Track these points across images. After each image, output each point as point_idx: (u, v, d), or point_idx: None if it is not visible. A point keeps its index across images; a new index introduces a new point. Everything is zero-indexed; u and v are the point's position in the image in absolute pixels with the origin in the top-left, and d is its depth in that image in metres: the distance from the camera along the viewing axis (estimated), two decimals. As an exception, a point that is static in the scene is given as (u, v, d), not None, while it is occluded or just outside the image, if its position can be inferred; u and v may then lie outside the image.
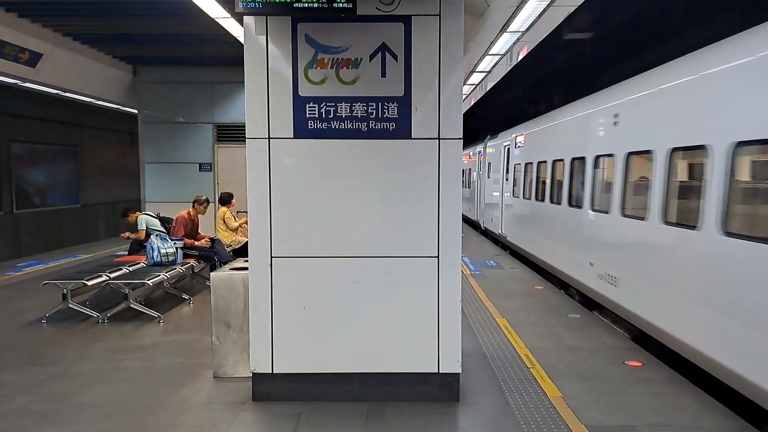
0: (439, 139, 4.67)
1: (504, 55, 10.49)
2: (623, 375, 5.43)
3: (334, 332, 4.80)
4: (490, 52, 10.08)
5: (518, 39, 8.95)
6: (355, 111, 4.67)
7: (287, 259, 4.75)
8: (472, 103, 19.20)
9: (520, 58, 10.66)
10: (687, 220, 5.55)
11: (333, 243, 4.76)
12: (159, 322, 7.34)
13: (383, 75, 4.67)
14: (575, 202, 8.96)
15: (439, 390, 4.84)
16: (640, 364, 5.69)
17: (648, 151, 6.43)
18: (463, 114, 5.15)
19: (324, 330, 4.80)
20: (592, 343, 6.41)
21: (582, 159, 8.64)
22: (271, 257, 4.73)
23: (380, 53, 4.66)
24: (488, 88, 15.50)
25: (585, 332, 6.83)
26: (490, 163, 16.84)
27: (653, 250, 6.31)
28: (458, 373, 4.84)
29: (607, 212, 7.52)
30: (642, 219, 6.42)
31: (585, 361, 5.79)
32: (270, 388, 4.86)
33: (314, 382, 4.84)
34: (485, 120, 30.36)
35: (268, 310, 4.77)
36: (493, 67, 11.71)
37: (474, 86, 14.09)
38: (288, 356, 4.82)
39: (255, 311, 4.79)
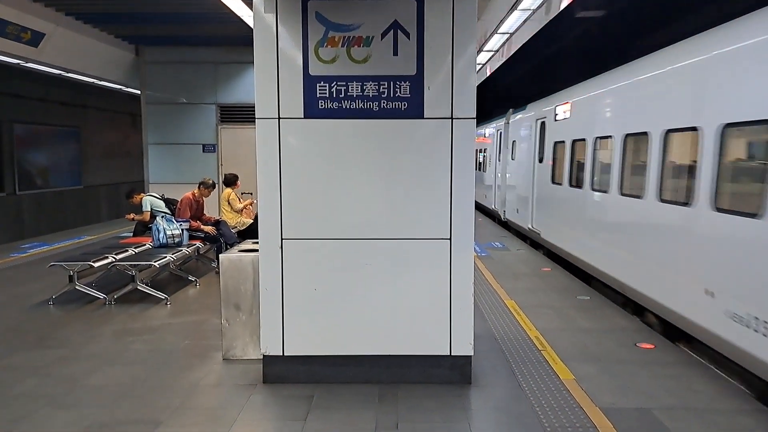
0: (452, 118, 4.58)
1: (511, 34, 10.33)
2: (636, 357, 5.39)
3: (345, 314, 4.76)
4: (498, 31, 9.92)
5: (528, 17, 8.81)
6: (367, 90, 4.58)
7: (298, 240, 4.69)
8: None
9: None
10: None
11: (344, 224, 4.70)
12: (166, 304, 7.32)
13: (395, 53, 4.57)
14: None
15: (451, 372, 4.81)
16: (653, 346, 5.65)
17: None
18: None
19: (335, 312, 4.76)
20: (602, 324, 6.38)
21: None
22: (282, 239, 4.67)
23: (392, 31, 4.55)
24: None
25: (595, 314, 6.79)
26: None
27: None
28: (470, 356, 4.81)
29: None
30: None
31: (596, 343, 5.76)
32: (281, 371, 4.83)
33: (325, 365, 4.82)
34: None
35: (278, 292, 4.73)
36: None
37: (481, 65, 13.94)
38: (299, 338, 4.79)
39: (265, 293, 4.74)
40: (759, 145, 5.00)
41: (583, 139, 9.21)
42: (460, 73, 4.55)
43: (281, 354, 4.79)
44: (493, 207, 16.62)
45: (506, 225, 15.15)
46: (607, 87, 8.47)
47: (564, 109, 10.42)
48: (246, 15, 8.66)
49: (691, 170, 5.77)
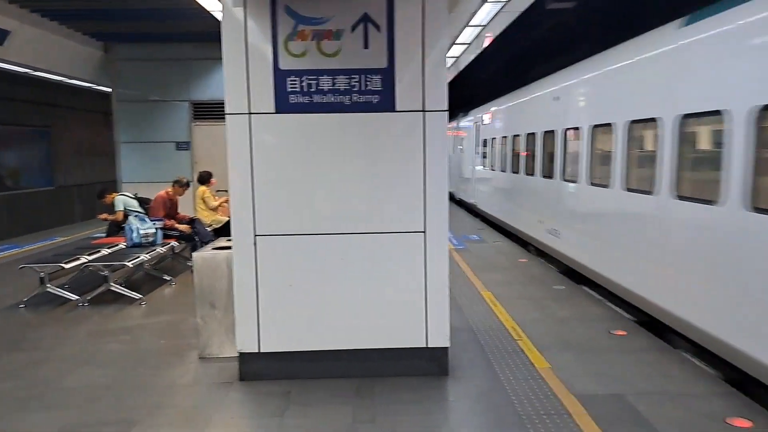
0: (424, 111, 4.58)
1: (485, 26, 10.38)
2: (610, 344, 5.47)
3: (321, 310, 4.74)
4: (471, 23, 9.96)
5: (500, 9, 8.86)
6: (338, 84, 4.56)
7: (271, 236, 4.66)
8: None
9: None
10: None
11: (318, 219, 4.68)
12: (141, 304, 7.23)
13: (366, 46, 4.55)
14: None
15: (428, 364, 4.82)
16: (626, 333, 5.74)
17: None
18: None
19: (311, 308, 4.74)
20: (577, 313, 6.46)
21: None
22: (255, 235, 4.64)
23: (362, 24, 4.53)
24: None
25: (570, 303, 6.87)
26: None
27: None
28: (447, 347, 4.83)
29: None
30: None
31: (572, 332, 5.82)
32: (257, 368, 4.80)
33: (302, 360, 4.79)
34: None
35: (253, 289, 4.69)
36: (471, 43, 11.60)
37: (455, 59, 13.98)
38: (275, 335, 4.76)
39: (240, 290, 4.70)
40: (548, 142, 9.59)
41: (495, 138, 13.89)
42: (432, 66, 4.55)
43: (257, 351, 4.76)
44: (450, 190, 21.94)
45: (460, 203, 19.68)
46: (505, 104, 13.33)
47: (487, 117, 15.16)
48: (216, 10, 8.57)
49: (536, 156, 10.25)
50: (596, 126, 7.59)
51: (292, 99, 4.55)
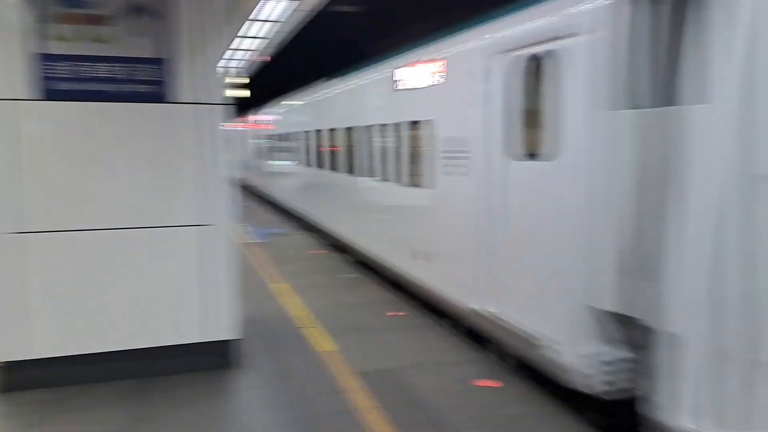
0: (201, 104, 4.55)
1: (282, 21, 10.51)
2: (389, 324, 5.97)
3: (93, 310, 4.49)
4: (258, 18, 10.05)
5: (297, 8, 9.05)
6: (109, 72, 4.36)
7: (27, 234, 4.28)
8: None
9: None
10: None
11: (87, 214, 4.42)
12: None
13: (140, 35, 4.40)
14: None
15: (215, 358, 4.80)
16: (405, 314, 6.28)
17: None
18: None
19: (81, 309, 4.46)
20: (362, 299, 6.91)
21: None
22: (6, 233, 4.22)
23: (136, 11, 4.38)
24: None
25: (357, 289, 7.33)
26: None
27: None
28: (233, 340, 4.85)
29: None
30: None
31: (358, 316, 6.23)
32: (23, 377, 4.38)
33: (74, 365, 4.48)
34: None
35: (10, 293, 4.29)
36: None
37: (248, 51, 13.96)
38: (42, 340, 4.40)
39: (-3, 294, 4.27)
40: (287, 142, 15.06)
41: (267, 135, 19.00)
42: (209, 59, 4.55)
43: (23, 359, 4.35)
44: (244, 176, 25.94)
45: (248, 187, 23.24)
46: (269, 113, 18.20)
47: (264, 118, 19.98)
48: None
49: (279, 150, 16.22)
50: (306, 131, 12.58)
51: (55, 85, 4.24)
